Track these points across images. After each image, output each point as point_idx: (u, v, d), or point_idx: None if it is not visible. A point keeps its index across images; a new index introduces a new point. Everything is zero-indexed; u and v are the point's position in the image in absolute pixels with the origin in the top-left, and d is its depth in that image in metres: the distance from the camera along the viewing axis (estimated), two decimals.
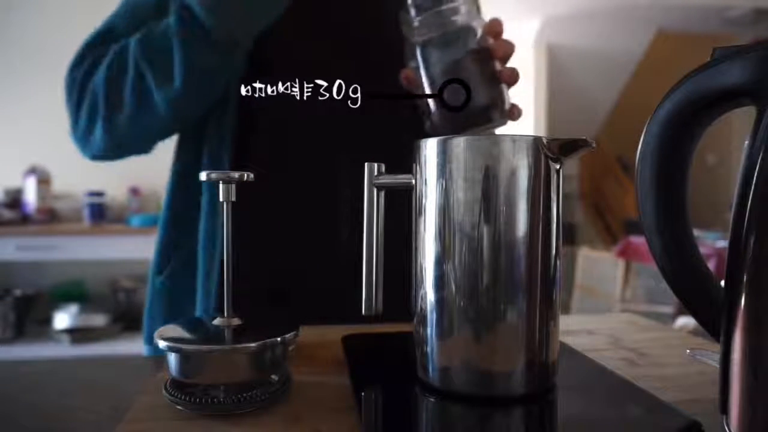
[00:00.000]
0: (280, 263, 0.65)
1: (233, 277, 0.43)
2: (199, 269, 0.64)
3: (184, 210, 0.68)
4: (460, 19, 0.54)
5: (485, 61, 0.55)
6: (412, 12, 0.54)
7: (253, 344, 0.38)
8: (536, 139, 0.37)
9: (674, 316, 2.89)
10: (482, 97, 0.54)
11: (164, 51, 0.60)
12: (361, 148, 0.52)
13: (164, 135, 0.69)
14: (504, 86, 0.56)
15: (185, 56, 0.59)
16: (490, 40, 0.56)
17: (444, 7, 0.53)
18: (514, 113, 0.57)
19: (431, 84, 0.55)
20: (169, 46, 0.59)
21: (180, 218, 0.69)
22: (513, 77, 0.56)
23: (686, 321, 2.70)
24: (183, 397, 0.38)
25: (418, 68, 0.56)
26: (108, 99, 0.63)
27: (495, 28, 0.57)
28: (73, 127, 0.67)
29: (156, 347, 0.38)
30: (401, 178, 0.42)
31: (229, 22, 0.59)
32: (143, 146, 0.69)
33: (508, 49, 0.57)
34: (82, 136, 0.67)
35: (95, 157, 0.69)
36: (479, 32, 0.55)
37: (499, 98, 0.55)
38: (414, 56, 0.56)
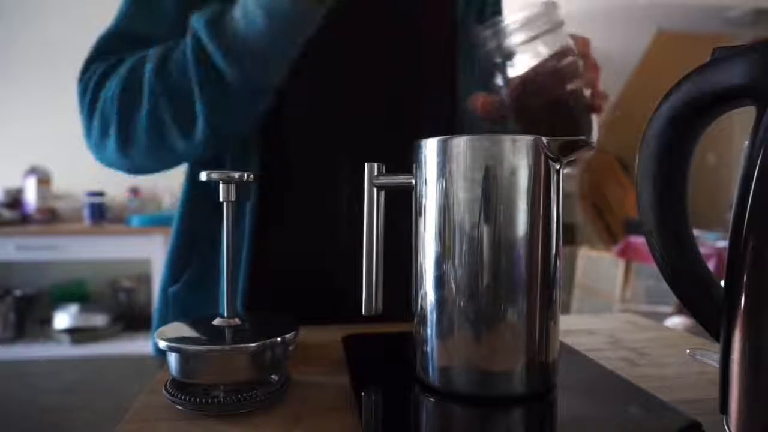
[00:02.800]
0: (280, 263, 0.65)
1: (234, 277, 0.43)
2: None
3: (202, 216, 0.67)
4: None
5: (570, 81, 0.49)
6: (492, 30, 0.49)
7: (253, 344, 0.38)
8: (536, 139, 0.37)
9: (672, 316, 2.89)
10: (571, 129, 0.50)
11: (184, 95, 0.55)
12: (362, 148, 0.52)
13: (182, 164, 0.67)
14: (593, 116, 0.51)
15: (209, 110, 0.55)
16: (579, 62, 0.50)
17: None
18: (599, 141, 0.51)
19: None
20: (189, 92, 0.55)
21: (199, 224, 0.67)
22: (602, 106, 0.51)
23: (679, 321, 2.70)
24: (183, 397, 0.38)
25: (495, 93, 0.51)
26: (120, 128, 0.59)
27: (584, 47, 0.51)
28: (86, 136, 0.64)
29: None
30: (401, 178, 0.42)
31: (252, 72, 0.54)
32: (160, 170, 0.67)
33: (597, 73, 0.51)
34: (95, 147, 0.64)
35: (110, 166, 0.67)
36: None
37: (588, 127, 0.51)
38: (493, 83, 0.51)
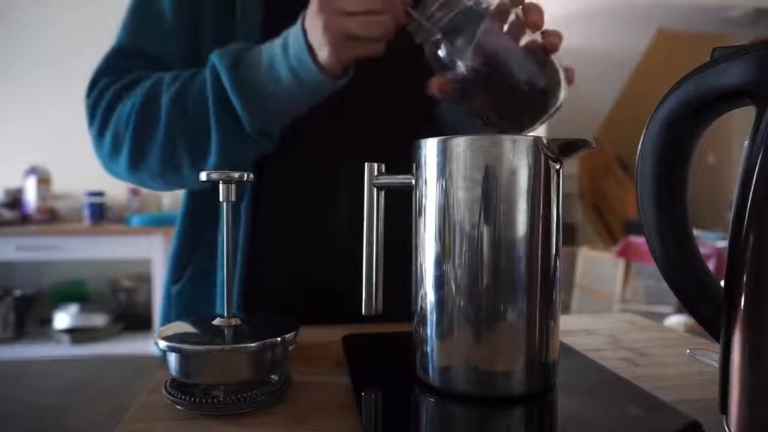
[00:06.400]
0: (278, 264, 0.65)
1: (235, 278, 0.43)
2: (219, 273, 0.63)
3: (203, 216, 0.67)
4: None
5: (519, 35, 0.47)
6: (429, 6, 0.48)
7: (253, 344, 0.38)
8: (536, 139, 0.37)
9: (672, 315, 2.89)
10: (539, 78, 0.48)
11: (200, 133, 0.58)
12: (359, 147, 0.52)
13: (190, 187, 0.68)
14: (551, 57, 0.49)
15: (223, 144, 0.57)
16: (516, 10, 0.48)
17: None
18: (571, 78, 0.50)
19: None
20: (206, 132, 0.58)
21: (199, 224, 0.68)
22: (556, 43, 0.48)
23: (678, 319, 2.70)
24: (183, 397, 0.38)
25: (447, 71, 0.49)
26: (133, 151, 0.61)
27: None
28: (95, 148, 0.66)
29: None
30: (401, 178, 0.42)
31: (269, 123, 0.58)
32: (167, 190, 0.69)
33: (538, 13, 0.49)
34: (106, 161, 0.65)
35: (118, 179, 0.68)
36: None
37: (554, 72, 0.48)
38: (439, 60, 0.49)
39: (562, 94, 0.49)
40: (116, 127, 0.62)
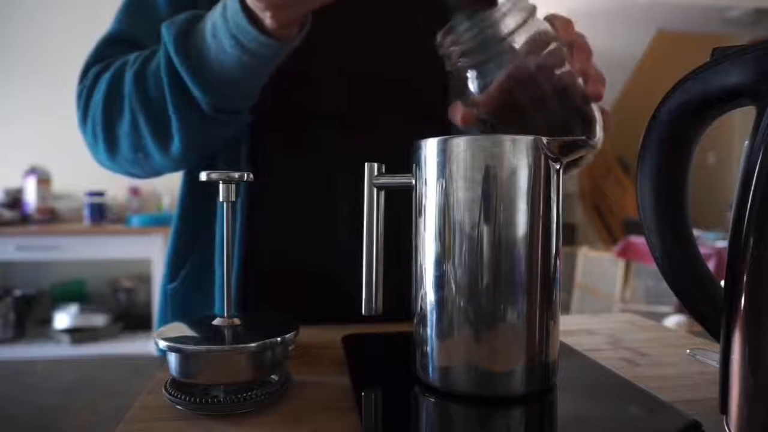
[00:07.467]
0: (279, 263, 0.65)
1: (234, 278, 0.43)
2: (217, 272, 0.63)
3: (199, 215, 0.67)
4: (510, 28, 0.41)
5: (555, 76, 0.42)
6: (459, 30, 0.42)
7: (253, 344, 0.38)
8: (536, 139, 0.37)
9: (672, 315, 2.90)
10: (573, 127, 0.43)
11: (160, 113, 0.55)
12: (357, 147, 0.52)
13: (164, 174, 0.67)
14: (593, 105, 0.44)
15: (183, 126, 0.54)
16: (562, 48, 0.43)
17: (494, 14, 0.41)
18: (607, 124, 0.45)
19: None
20: (165, 110, 0.54)
21: (195, 223, 0.68)
22: (600, 92, 0.43)
23: (678, 319, 2.71)
24: (183, 397, 0.38)
25: (473, 106, 0.44)
26: (106, 135, 0.59)
27: (567, 31, 0.44)
28: (83, 139, 0.64)
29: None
30: (401, 178, 0.42)
31: (228, 99, 0.54)
32: (146, 177, 0.67)
33: (585, 58, 0.44)
34: (91, 149, 0.64)
35: (105, 168, 0.67)
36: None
37: (591, 120, 0.43)
38: (465, 89, 0.44)
39: (598, 144, 0.43)
40: (93, 114, 0.60)
